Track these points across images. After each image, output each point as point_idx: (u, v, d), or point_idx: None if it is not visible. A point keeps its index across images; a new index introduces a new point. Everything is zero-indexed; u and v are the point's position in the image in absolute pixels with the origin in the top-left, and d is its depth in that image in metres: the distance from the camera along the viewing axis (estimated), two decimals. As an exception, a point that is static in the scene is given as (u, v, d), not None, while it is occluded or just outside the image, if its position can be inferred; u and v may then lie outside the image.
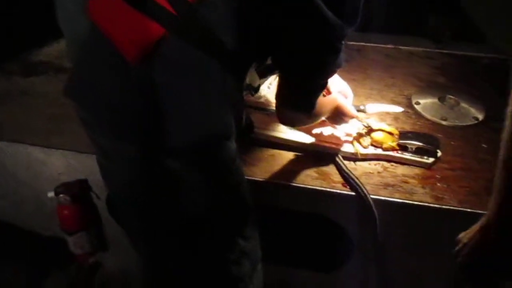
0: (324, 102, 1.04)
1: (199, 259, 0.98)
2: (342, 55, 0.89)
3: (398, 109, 1.28)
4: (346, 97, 1.14)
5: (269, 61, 0.98)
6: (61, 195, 1.24)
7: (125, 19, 0.78)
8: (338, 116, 1.09)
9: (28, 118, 1.38)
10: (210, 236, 0.92)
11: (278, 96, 0.99)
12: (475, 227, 0.72)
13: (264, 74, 1.06)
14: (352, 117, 1.11)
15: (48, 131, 1.32)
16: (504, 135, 0.65)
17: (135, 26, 0.77)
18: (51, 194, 1.25)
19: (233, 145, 0.88)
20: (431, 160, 1.11)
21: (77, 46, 0.86)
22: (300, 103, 0.97)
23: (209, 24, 0.78)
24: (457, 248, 0.73)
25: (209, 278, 0.99)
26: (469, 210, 1.02)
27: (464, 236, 0.73)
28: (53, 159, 1.28)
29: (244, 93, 1.00)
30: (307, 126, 1.09)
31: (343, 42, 0.86)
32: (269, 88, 1.26)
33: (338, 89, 1.15)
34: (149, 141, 0.81)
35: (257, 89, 1.07)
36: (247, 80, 0.96)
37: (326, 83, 0.96)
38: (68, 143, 1.27)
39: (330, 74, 0.94)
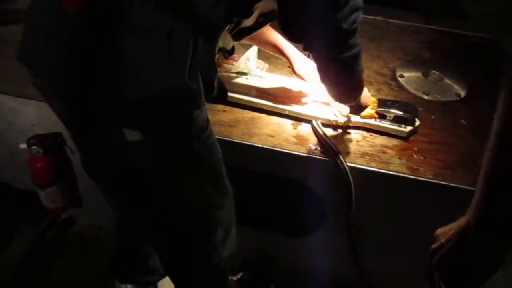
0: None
1: (171, 231, 0.97)
2: None
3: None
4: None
5: (244, 24, 0.93)
6: (34, 147, 1.21)
7: None
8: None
9: (3, 66, 1.33)
10: (180, 206, 0.90)
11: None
12: (453, 226, 0.68)
13: (238, 37, 0.99)
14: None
15: (23, 81, 1.27)
16: (494, 126, 0.58)
17: None
18: (23, 145, 1.22)
19: (202, 113, 0.82)
20: (408, 128, 1.11)
21: None
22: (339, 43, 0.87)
23: None
24: (434, 246, 0.71)
25: (182, 248, 0.99)
26: (442, 182, 1.03)
27: (442, 233, 0.70)
28: (27, 110, 1.24)
29: (217, 55, 0.93)
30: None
31: None
32: (247, 62, 1.22)
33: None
34: (103, 108, 0.76)
35: (231, 51, 1.00)
36: (220, 44, 0.89)
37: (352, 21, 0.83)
38: (43, 94, 1.23)
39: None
